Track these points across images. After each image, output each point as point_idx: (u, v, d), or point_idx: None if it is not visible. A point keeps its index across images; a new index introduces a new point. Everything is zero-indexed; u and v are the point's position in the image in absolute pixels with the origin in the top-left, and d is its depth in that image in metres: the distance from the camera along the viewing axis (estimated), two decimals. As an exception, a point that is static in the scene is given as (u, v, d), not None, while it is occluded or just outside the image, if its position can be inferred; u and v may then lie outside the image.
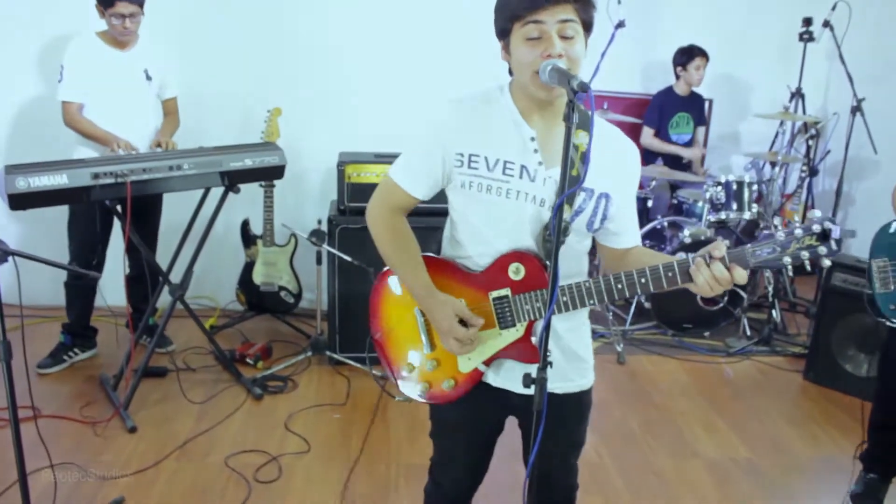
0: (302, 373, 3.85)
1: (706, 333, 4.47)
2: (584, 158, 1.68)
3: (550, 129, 1.74)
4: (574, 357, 1.89)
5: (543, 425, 1.62)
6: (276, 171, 3.46)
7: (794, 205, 5.49)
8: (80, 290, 3.71)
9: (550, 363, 1.61)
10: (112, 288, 4.23)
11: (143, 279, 3.71)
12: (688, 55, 5.02)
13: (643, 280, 1.65)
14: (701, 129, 5.36)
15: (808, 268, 1.55)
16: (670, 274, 1.62)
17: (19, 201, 2.83)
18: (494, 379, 1.88)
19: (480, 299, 1.80)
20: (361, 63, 4.35)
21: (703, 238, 4.33)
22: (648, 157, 5.21)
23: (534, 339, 1.79)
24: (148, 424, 3.29)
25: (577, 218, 1.74)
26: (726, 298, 4.37)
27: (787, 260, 1.55)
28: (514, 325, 1.79)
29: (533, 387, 1.58)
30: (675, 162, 5.19)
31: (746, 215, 4.53)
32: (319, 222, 3.84)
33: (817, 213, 1.56)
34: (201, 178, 3.23)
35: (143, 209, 3.54)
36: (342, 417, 3.46)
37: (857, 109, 4.41)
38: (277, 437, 3.27)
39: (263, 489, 2.91)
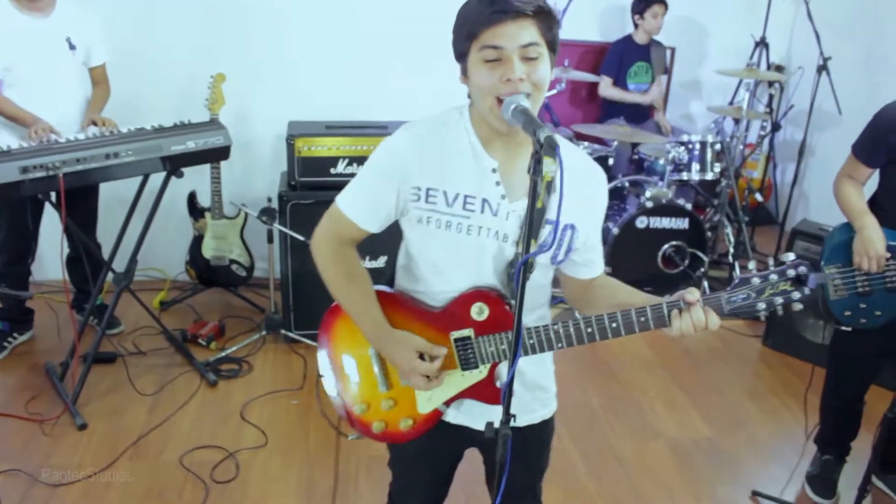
0: (257, 353, 3.74)
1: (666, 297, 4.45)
2: (550, 188, 1.57)
3: (514, 159, 1.61)
4: (536, 387, 1.82)
5: (519, 457, 1.58)
6: (222, 153, 3.26)
7: (756, 155, 5.45)
8: (15, 277, 3.51)
9: (514, 416, 1.53)
10: (48, 263, 4.05)
11: (84, 259, 3.55)
12: (645, 2, 4.87)
13: (614, 325, 1.57)
14: (663, 78, 5.24)
15: (780, 312, 1.52)
16: (643, 319, 1.55)
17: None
18: (455, 416, 1.79)
19: (441, 340, 1.68)
20: (310, 26, 4.07)
21: (664, 201, 4.26)
22: (608, 109, 5.09)
23: (497, 383, 1.71)
24: (98, 419, 3.18)
25: (542, 252, 1.62)
26: (687, 262, 4.34)
27: (762, 306, 1.52)
28: (476, 367, 1.70)
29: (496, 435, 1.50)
30: (634, 110, 5.08)
31: (709, 176, 4.48)
32: (269, 200, 3.66)
33: (791, 255, 1.53)
34: (141, 164, 3.02)
35: (78, 193, 3.33)
36: (299, 403, 3.39)
37: (822, 68, 4.30)
38: (233, 430, 3.18)
39: (221, 490, 2.84)
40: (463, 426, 1.79)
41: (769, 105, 5.11)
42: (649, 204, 4.23)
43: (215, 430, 3.17)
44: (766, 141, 5.14)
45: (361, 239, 1.73)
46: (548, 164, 1.58)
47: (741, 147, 5.21)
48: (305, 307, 3.77)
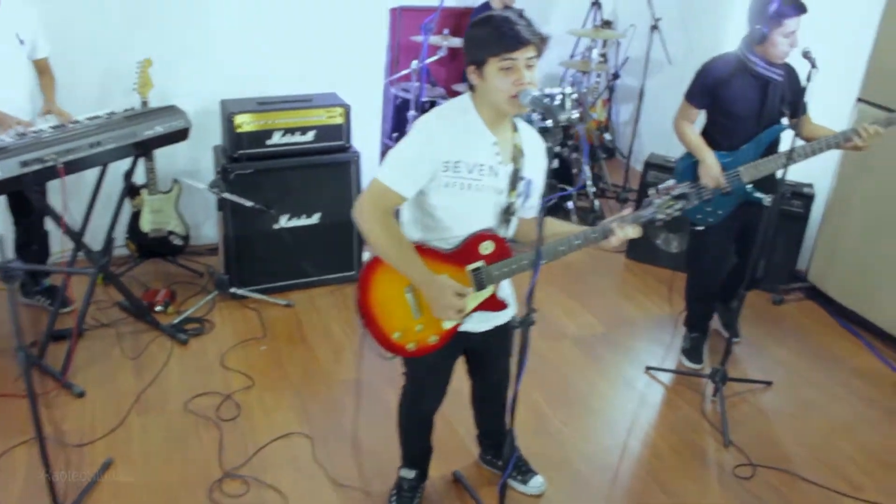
0: (212, 311, 4.15)
1: (543, 225, 5.29)
2: (522, 153, 2.33)
3: (504, 134, 2.32)
4: (510, 296, 2.54)
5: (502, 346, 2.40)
6: (183, 134, 3.63)
7: (594, 98, 6.39)
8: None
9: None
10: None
11: (31, 245, 3.80)
12: None
13: (577, 242, 2.32)
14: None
15: (670, 219, 2.30)
16: (594, 235, 2.30)
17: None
18: (462, 325, 2.46)
19: (457, 272, 2.34)
20: (226, 5, 4.38)
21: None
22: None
23: (499, 294, 2.43)
24: (92, 387, 3.47)
25: (518, 199, 2.37)
26: (558, 196, 5.18)
27: (661, 216, 2.28)
28: (486, 288, 2.38)
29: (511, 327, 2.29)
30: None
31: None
32: (218, 172, 4.04)
33: (671, 181, 2.31)
34: (118, 150, 3.35)
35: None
36: (268, 348, 3.88)
37: (654, 28, 5.22)
38: (219, 377, 3.62)
39: (232, 426, 3.30)
40: (464, 332, 2.46)
41: (604, 55, 6.02)
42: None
43: (204, 380, 3.59)
44: (608, 88, 6.07)
45: (399, 206, 2.30)
46: (516, 138, 2.32)
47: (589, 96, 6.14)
48: (249, 266, 4.22)
